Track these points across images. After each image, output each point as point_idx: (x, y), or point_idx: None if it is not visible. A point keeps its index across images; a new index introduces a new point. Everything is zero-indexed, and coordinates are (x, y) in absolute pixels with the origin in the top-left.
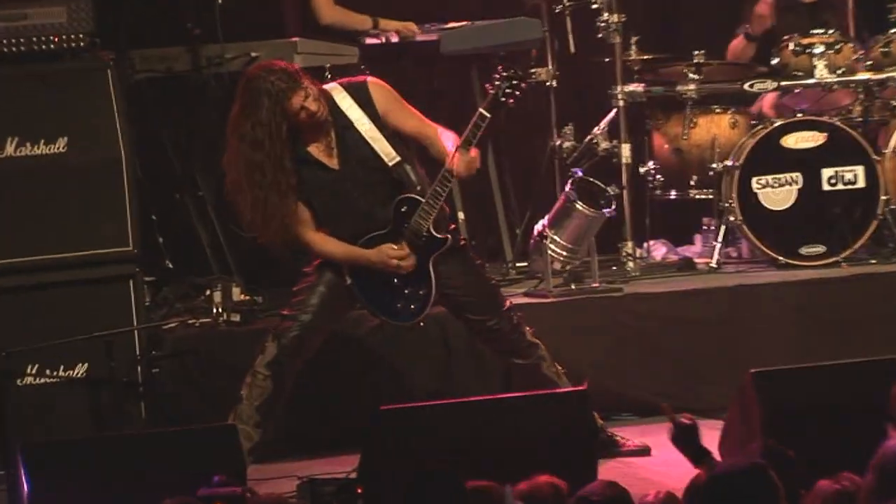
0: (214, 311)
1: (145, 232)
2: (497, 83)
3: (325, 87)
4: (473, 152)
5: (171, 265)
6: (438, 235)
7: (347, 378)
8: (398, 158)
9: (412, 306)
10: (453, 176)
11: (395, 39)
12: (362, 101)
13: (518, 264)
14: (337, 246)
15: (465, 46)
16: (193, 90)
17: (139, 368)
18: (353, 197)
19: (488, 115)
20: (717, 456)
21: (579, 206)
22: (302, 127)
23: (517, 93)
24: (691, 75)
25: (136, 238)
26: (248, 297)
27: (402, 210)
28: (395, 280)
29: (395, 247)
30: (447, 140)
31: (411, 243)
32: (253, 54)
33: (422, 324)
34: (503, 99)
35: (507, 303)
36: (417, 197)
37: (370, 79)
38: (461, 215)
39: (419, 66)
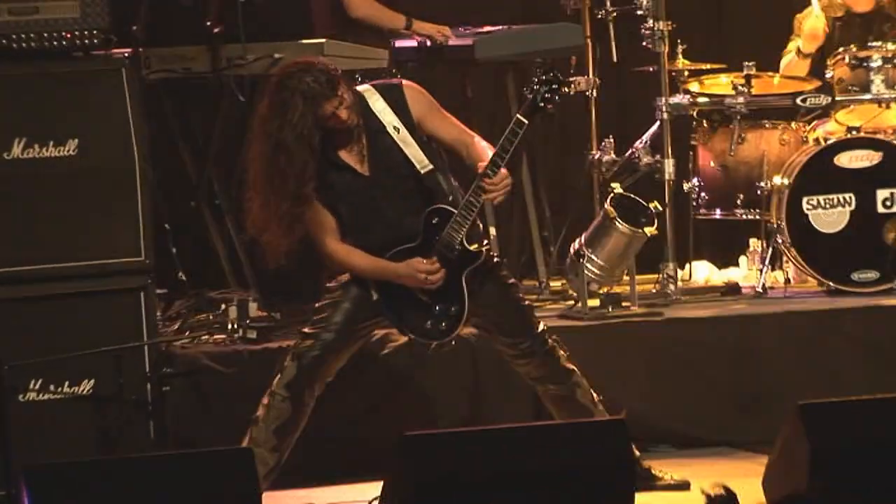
0: (230, 327)
1: (158, 242)
2: (535, 87)
3: (358, 88)
4: (504, 173)
5: (184, 277)
6: (472, 249)
7: (370, 401)
8: (431, 166)
9: (443, 324)
10: (485, 197)
11: (428, 43)
12: (396, 104)
13: (552, 284)
14: (362, 258)
15: (500, 52)
16: (212, 92)
17: (149, 386)
18: (383, 205)
19: (526, 121)
20: (760, 492)
21: (619, 223)
22: (332, 131)
23: (557, 97)
24: (740, 87)
25: (148, 248)
26: (265, 314)
27: (434, 222)
28: (425, 297)
29: (425, 261)
30: (485, 149)
31: (442, 257)
32: (277, 55)
33: (454, 343)
34: (541, 104)
35: (542, 325)
36: (450, 208)
37: (406, 82)
38: (492, 231)
39: (452, 72)
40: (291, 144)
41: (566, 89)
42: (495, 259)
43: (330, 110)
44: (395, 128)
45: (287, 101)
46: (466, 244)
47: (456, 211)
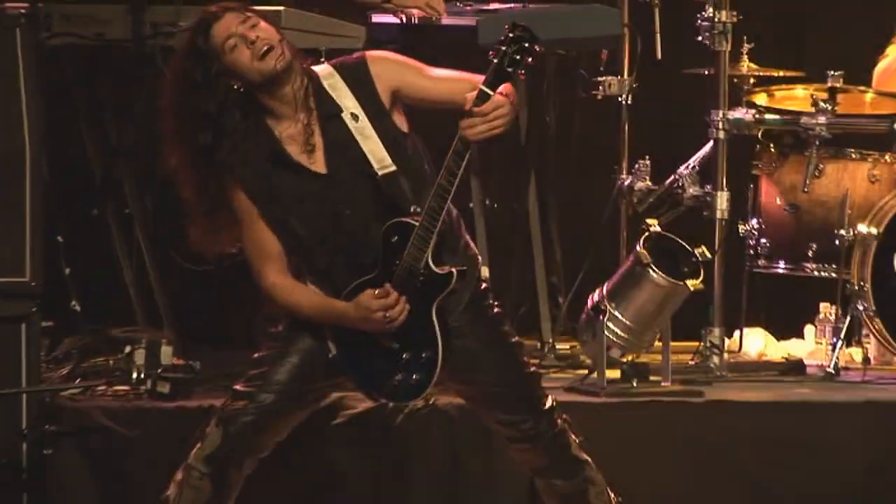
0: (135, 376)
1: (48, 258)
2: (501, 48)
3: (314, 68)
4: (500, 93)
5: (78, 307)
6: (439, 272)
7: (315, 488)
8: (392, 167)
9: (415, 376)
10: (469, 141)
11: (414, 20)
12: (358, 83)
13: (559, 347)
14: (307, 296)
15: None
16: (132, 67)
17: (24, 447)
18: (344, 213)
19: (491, 92)
20: None
21: (653, 272)
22: (265, 100)
23: (529, 59)
24: (822, 104)
25: (35, 266)
26: (183, 362)
27: (393, 241)
28: (389, 342)
29: (377, 291)
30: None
31: (405, 284)
32: None
33: (430, 401)
34: (509, 69)
35: (550, 400)
36: (411, 221)
37: (369, 53)
38: (485, 271)
39: (446, 58)
40: (192, 88)
41: (538, 48)
42: (496, 309)
43: (226, 28)
44: (352, 115)
45: (185, 54)
46: (433, 265)
47: (417, 223)
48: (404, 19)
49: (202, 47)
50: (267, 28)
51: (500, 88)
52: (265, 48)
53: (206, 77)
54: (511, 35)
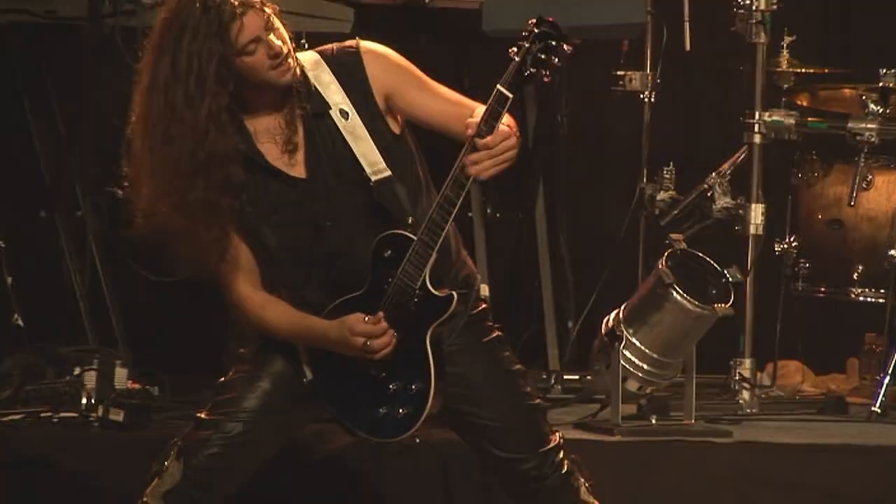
0: (85, 401)
1: None
2: (524, 44)
3: (299, 55)
4: (506, 125)
5: (21, 322)
6: (437, 294)
7: None
8: (386, 172)
9: (401, 411)
10: (465, 185)
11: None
12: (349, 77)
13: (568, 377)
14: (280, 313)
15: (520, 25)
16: (87, 50)
17: None
18: (325, 225)
19: (510, 94)
20: None
21: (676, 294)
22: (249, 97)
23: (555, 60)
24: (873, 106)
25: None
26: (138, 386)
27: (386, 255)
28: (375, 370)
29: (367, 318)
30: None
31: (396, 309)
32: None
33: (417, 440)
34: (532, 70)
35: (557, 437)
36: (409, 235)
37: (364, 43)
38: (485, 289)
39: (445, 46)
40: (189, 75)
41: (567, 47)
42: (496, 333)
43: (252, 30)
44: (342, 112)
45: (181, 24)
46: (430, 286)
47: (416, 238)
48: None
49: (212, 44)
50: (282, 33)
51: (504, 120)
52: (283, 60)
53: (198, 59)
54: (536, 31)
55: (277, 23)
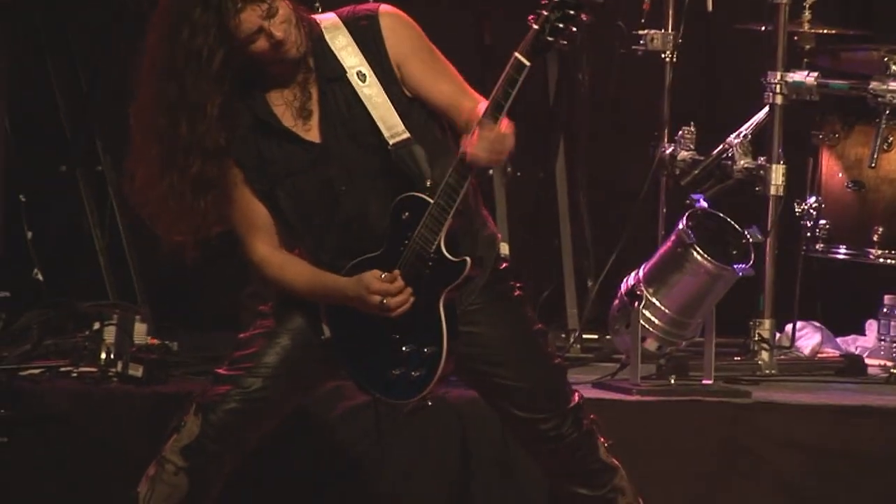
0: (104, 356)
1: (8, 220)
2: (542, 14)
3: (316, 17)
4: (503, 126)
5: (41, 277)
6: (452, 258)
7: (307, 488)
8: (405, 135)
9: (413, 373)
10: (470, 166)
11: None
12: (367, 39)
13: (587, 336)
14: (300, 271)
15: None
16: (101, 8)
17: None
18: (340, 189)
19: (527, 62)
20: None
21: (697, 254)
22: (261, 68)
23: (572, 28)
24: (894, 68)
25: None
26: (158, 342)
27: (403, 217)
28: (389, 331)
29: (383, 274)
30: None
31: (412, 270)
32: None
33: (429, 402)
34: (550, 38)
35: (577, 397)
36: (426, 198)
37: (383, 7)
38: (504, 247)
39: (463, 8)
40: (186, 70)
41: (586, 16)
42: (517, 292)
43: (253, 23)
44: (359, 74)
45: (182, 11)
46: (445, 250)
47: (432, 202)
48: None
49: (213, 34)
50: (284, 11)
51: (503, 123)
52: (285, 39)
53: (199, 49)
54: None
55: (279, 4)
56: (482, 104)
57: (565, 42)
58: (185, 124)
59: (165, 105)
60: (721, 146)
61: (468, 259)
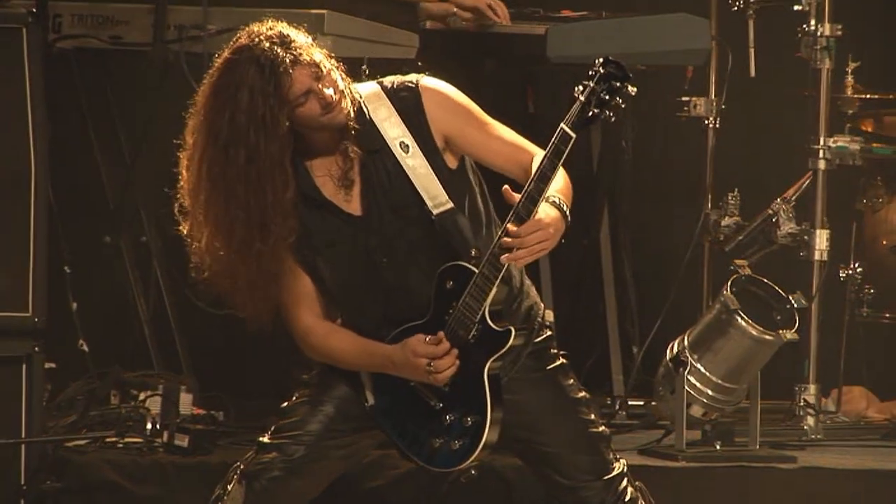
0: (149, 427)
1: (53, 291)
2: (589, 84)
3: (358, 87)
4: (545, 218)
5: (86, 348)
6: (496, 328)
7: None
8: (448, 205)
9: (457, 443)
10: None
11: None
12: (408, 111)
13: (633, 402)
14: (345, 340)
15: (584, 52)
16: (152, 75)
17: None
18: (382, 262)
19: (573, 134)
20: None
21: (741, 320)
22: (305, 138)
23: (619, 101)
24: None
25: (38, 300)
26: (204, 412)
27: (448, 287)
28: (434, 401)
29: (428, 338)
30: None
31: (456, 339)
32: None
33: (473, 472)
34: (596, 110)
35: (620, 464)
36: (471, 267)
37: (424, 79)
38: (549, 315)
39: (509, 72)
40: (251, 135)
41: (632, 88)
42: (561, 360)
43: (302, 84)
44: (402, 145)
45: (237, 78)
46: (489, 320)
47: (477, 271)
48: (460, 18)
49: (271, 98)
50: (333, 77)
51: (542, 214)
52: (334, 103)
53: (261, 115)
54: (602, 71)
55: (327, 66)
56: (539, 154)
57: (611, 114)
58: (269, 188)
59: (234, 173)
60: (765, 211)
61: (512, 328)
